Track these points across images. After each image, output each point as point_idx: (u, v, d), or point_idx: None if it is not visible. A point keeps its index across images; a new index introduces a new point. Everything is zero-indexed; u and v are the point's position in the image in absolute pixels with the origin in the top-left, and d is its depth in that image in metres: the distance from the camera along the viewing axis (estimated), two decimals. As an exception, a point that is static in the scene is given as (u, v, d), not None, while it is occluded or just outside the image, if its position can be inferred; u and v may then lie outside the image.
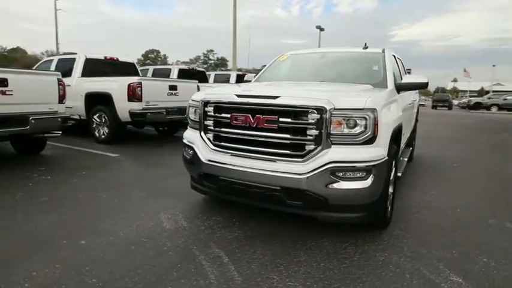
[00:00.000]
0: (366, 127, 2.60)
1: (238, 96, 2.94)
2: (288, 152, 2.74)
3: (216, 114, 3.05)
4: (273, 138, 2.77)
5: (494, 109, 28.82)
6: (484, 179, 5.33)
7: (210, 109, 3.09)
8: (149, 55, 68.82)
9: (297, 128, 2.69)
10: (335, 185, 2.60)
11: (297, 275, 2.37)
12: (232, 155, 2.97)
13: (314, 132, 2.63)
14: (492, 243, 2.94)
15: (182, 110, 7.56)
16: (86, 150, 6.39)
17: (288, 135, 2.72)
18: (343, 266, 2.52)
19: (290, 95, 2.80)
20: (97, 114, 7.18)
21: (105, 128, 7.12)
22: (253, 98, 2.87)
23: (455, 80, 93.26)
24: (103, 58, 8.15)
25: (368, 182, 2.61)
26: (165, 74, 10.47)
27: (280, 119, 2.71)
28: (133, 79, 6.73)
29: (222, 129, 3.02)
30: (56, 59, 8.28)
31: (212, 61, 72.00)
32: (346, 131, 2.63)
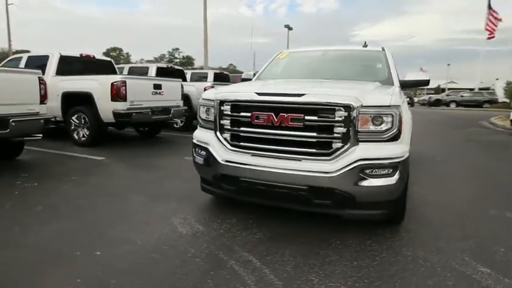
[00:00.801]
0: (392, 124, 2.62)
1: (259, 94, 2.85)
2: (314, 150, 2.70)
3: (234, 114, 2.95)
4: (298, 136, 2.71)
5: (452, 105, 30.68)
6: (469, 171, 5.62)
7: (226, 108, 2.98)
8: (111, 53, 66.09)
9: (323, 126, 2.66)
10: (363, 183, 2.59)
11: (335, 275, 2.34)
12: (253, 155, 2.88)
13: (341, 129, 2.61)
14: (502, 233, 3.09)
15: (167, 110, 7.33)
16: (68, 154, 5.98)
17: (314, 134, 2.67)
18: (375, 263, 2.52)
19: (315, 92, 2.76)
20: (76, 115, 6.75)
21: (85, 130, 6.71)
22: (277, 96, 2.80)
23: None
24: (79, 56, 7.67)
25: (394, 179, 2.63)
26: (142, 72, 10.07)
27: (306, 117, 2.66)
28: (117, 78, 6.39)
29: (242, 129, 2.92)
30: (25, 56, 7.67)
31: (178, 59, 70.67)
32: (372, 128, 2.63)
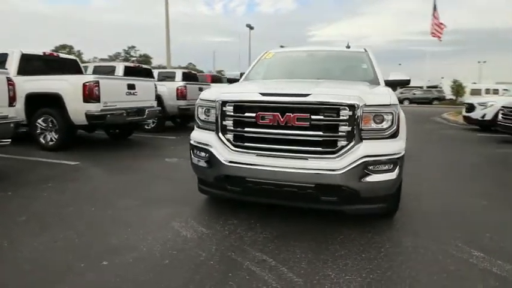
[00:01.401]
0: (392, 122, 2.77)
1: (263, 94, 2.87)
2: (320, 149, 2.77)
3: (238, 114, 2.94)
4: (304, 136, 2.77)
5: (406, 103, 32.61)
6: (438, 164, 6.05)
7: (229, 109, 2.96)
8: (60, 51, 62.28)
9: (329, 125, 2.74)
10: (367, 178, 2.71)
11: (348, 268, 2.43)
12: (258, 155, 2.89)
13: (346, 128, 2.71)
14: (483, 220, 3.38)
15: (141, 111, 7.09)
16: (38, 160, 5.57)
17: (320, 132, 2.75)
18: (381, 254, 2.65)
19: (320, 92, 2.83)
20: (42, 118, 6.30)
21: (53, 133, 6.29)
22: (282, 97, 2.84)
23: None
24: (42, 54, 7.16)
25: (395, 174, 2.78)
26: (109, 71, 9.60)
27: (313, 117, 2.73)
28: (89, 78, 6.06)
29: (246, 129, 2.92)
30: (-22, 54, 7.00)
31: (135, 58, 68.19)
32: (374, 126, 2.76)
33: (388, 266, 2.47)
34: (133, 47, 70.65)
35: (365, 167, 2.69)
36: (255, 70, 4.47)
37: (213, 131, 3.11)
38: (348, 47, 4.55)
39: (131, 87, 6.83)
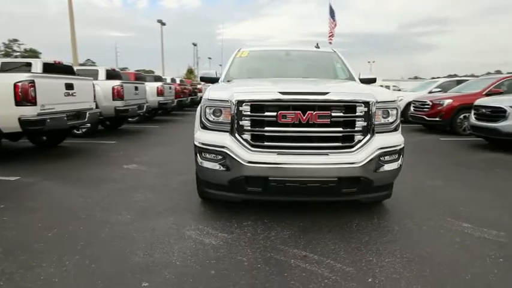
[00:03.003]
0: (396, 116, 3.08)
1: (283, 93, 2.89)
2: (339, 144, 2.93)
3: (256, 114, 2.90)
4: (325, 132, 2.89)
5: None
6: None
7: (246, 108, 2.91)
8: None
9: (347, 121, 2.91)
10: (381, 169, 2.98)
11: (382, 252, 2.64)
12: (279, 153, 2.91)
13: (362, 123, 2.92)
14: (449, 197, 3.99)
15: (82, 114, 6.32)
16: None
17: (340, 129, 2.90)
18: (397, 236, 2.94)
19: (337, 91, 2.97)
20: (-45, 126, 5.11)
21: (-28, 144, 5.17)
22: (302, 95, 2.90)
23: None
24: None
25: (399, 163, 3.11)
26: (23, 71, 8.21)
27: (333, 114, 2.86)
28: (21, 76, 5.13)
29: (266, 128, 2.90)
30: None
31: (18, 53, 59.19)
32: (383, 120, 3.03)
33: (410, 245, 2.77)
34: (15, 40, 61.26)
35: (379, 159, 2.95)
36: (235, 69, 4.41)
37: (225, 131, 3.00)
38: (318, 47, 4.82)
39: (69, 87, 6.02)
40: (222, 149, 2.96)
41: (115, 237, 2.88)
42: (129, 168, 5.29)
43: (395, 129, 3.12)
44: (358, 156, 2.90)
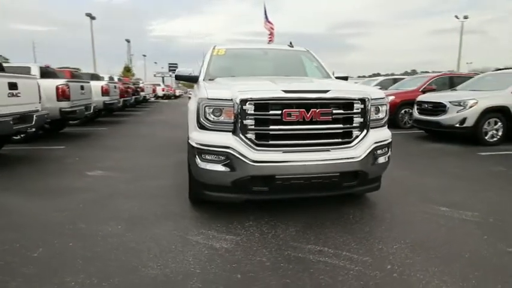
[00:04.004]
0: (386, 112, 3.29)
1: (286, 91, 2.91)
2: (339, 140, 3.04)
3: (261, 112, 2.88)
4: (327, 129, 2.98)
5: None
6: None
7: (249, 107, 2.86)
8: None
9: (346, 118, 3.03)
10: (376, 162, 3.16)
11: (388, 240, 2.82)
12: (284, 151, 2.93)
13: (359, 120, 3.06)
14: (419, 184, 4.38)
15: (28, 117, 5.63)
16: None
17: (340, 125, 3.01)
18: (393, 223, 3.16)
19: (337, 88, 3.07)
20: None
21: None
22: (305, 93, 2.95)
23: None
24: None
25: (388, 155, 3.33)
26: None
27: (334, 111, 2.96)
28: (-43, 74, 4.38)
29: (271, 127, 2.89)
30: None
31: None
32: (375, 116, 3.22)
33: (407, 231, 2.99)
34: None
35: (374, 153, 3.13)
36: (215, 67, 4.29)
37: (227, 131, 2.93)
38: (292, 46, 4.92)
39: (13, 86, 5.30)
40: (225, 150, 2.88)
41: (115, 250, 2.64)
42: (95, 176, 4.86)
43: (384, 125, 3.33)
44: (357, 151, 3.04)
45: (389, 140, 3.32)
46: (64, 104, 7.59)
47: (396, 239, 2.83)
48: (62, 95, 7.53)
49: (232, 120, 2.90)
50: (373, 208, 3.55)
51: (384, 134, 3.28)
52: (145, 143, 7.69)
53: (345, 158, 2.99)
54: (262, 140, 2.92)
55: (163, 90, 33.33)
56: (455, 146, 7.07)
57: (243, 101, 2.86)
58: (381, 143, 3.19)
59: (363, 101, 3.05)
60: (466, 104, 7.10)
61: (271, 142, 2.92)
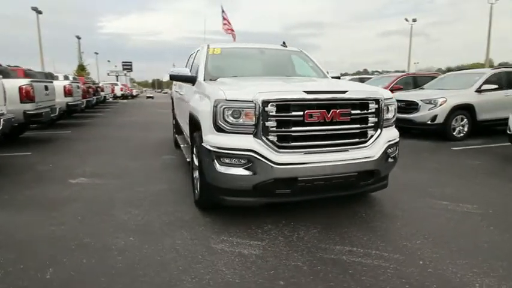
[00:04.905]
0: (394, 112, 3.38)
1: (308, 92, 2.88)
2: (356, 140, 3.07)
3: (283, 114, 2.82)
4: (346, 129, 3.00)
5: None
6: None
7: (271, 109, 2.80)
8: None
9: (363, 118, 3.07)
10: (388, 160, 3.24)
11: (407, 235, 2.90)
12: (306, 153, 2.90)
13: (374, 120, 3.12)
14: (413, 179, 4.58)
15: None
16: None
17: (358, 125, 3.05)
18: (406, 219, 3.26)
19: (354, 89, 3.10)
20: None
21: None
22: (325, 94, 2.94)
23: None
24: None
25: (397, 154, 3.43)
26: None
27: (352, 111, 2.99)
28: None
29: (294, 128, 2.85)
30: None
31: None
32: (386, 116, 3.29)
33: (422, 227, 3.10)
34: None
35: (387, 151, 3.20)
36: (214, 67, 4.13)
37: (248, 133, 2.84)
38: (285, 46, 4.90)
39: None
40: (248, 153, 2.79)
41: (137, 264, 2.44)
42: (81, 184, 4.49)
43: (392, 124, 3.42)
44: (373, 150, 3.09)
45: (398, 139, 3.42)
46: (28, 106, 6.94)
47: (415, 234, 2.92)
48: (26, 96, 6.88)
49: (253, 122, 2.82)
50: (380, 205, 3.64)
51: (393, 133, 3.37)
52: (121, 147, 7.26)
53: (363, 158, 3.03)
54: (284, 141, 2.86)
55: (121, 90, 31.84)
56: (427, 142, 7.50)
57: (265, 102, 2.79)
58: (392, 141, 3.27)
59: (377, 101, 3.11)
60: (436, 102, 7.56)
61: (292, 144, 2.88)
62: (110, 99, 26.96)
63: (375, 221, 3.21)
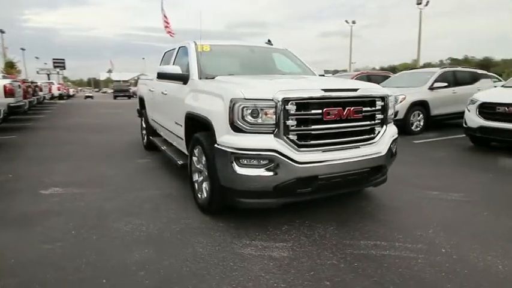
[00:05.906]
0: (393, 109, 3.53)
1: (326, 90, 2.88)
2: (366, 136, 3.15)
3: (302, 112, 2.79)
4: (359, 126, 3.06)
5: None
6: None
7: (291, 107, 2.75)
8: None
9: (372, 114, 3.15)
10: (391, 155, 3.38)
11: (420, 227, 3.05)
12: (324, 151, 2.90)
13: (381, 116, 3.23)
14: (402, 173, 4.83)
15: None
16: None
17: (368, 122, 3.12)
18: (409, 210, 3.44)
19: (363, 87, 3.16)
20: None
21: None
22: (341, 92, 2.96)
23: (110, 71, 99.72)
24: None
25: (396, 149, 3.59)
26: None
27: (364, 108, 3.06)
28: None
29: (313, 127, 2.83)
30: None
31: None
32: (389, 113, 3.43)
33: (426, 217, 3.29)
34: None
35: (391, 146, 3.34)
36: (207, 64, 3.93)
37: (268, 133, 2.77)
38: (271, 44, 4.86)
39: None
40: (270, 153, 2.71)
41: (167, 279, 2.24)
42: (56, 194, 4.01)
43: (392, 120, 3.57)
44: (381, 146, 3.20)
45: (397, 135, 3.58)
46: (11, 100, 6.04)
47: (425, 224, 3.09)
48: (9, 92, 5.98)
49: (274, 121, 2.74)
50: (378, 199, 3.78)
51: (394, 129, 3.52)
52: (83, 151, 6.63)
53: (373, 154, 3.12)
54: (303, 140, 2.84)
55: (59, 90, 29.17)
56: (390, 136, 8.00)
57: (286, 101, 2.73)
58: (394, 137, 3.42)
59: (383, 98, 3.22)
60: (397, 99, 8.08)
61: (311, 142, 2.86)
62: (46, 100, 24.57)
63: (382, 214, 3.34)
